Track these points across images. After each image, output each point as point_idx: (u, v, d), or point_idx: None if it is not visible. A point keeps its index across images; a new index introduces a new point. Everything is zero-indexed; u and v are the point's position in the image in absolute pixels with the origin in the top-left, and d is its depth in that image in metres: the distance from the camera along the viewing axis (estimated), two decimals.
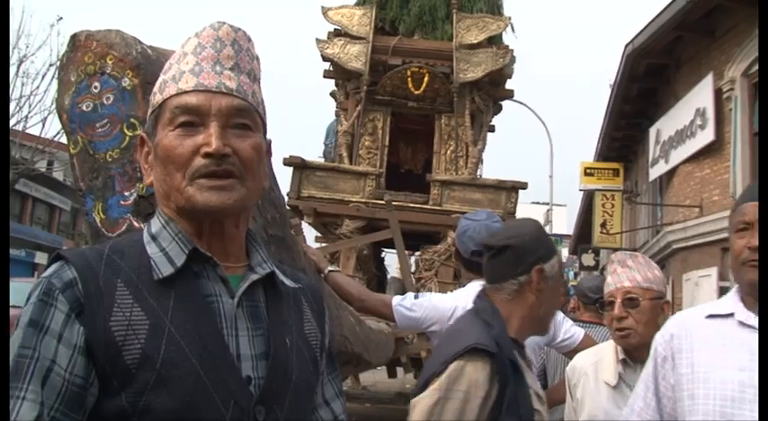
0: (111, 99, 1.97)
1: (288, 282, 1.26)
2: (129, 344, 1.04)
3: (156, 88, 1.20)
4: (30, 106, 18.23)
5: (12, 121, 18.18)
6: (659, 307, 2.40)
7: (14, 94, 17.80)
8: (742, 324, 1.68)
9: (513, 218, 8.20)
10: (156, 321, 1.06)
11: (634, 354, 2.38)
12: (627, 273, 2.41)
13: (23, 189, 26.12)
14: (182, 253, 1.13)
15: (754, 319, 1.66)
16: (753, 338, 1.63)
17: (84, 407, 1.03)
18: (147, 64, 1.99)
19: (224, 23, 1.20)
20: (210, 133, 1.12)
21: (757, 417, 1.55)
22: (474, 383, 1.67)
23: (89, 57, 2.01)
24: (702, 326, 1.75)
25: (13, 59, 17.76)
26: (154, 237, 1.16)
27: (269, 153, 1.27)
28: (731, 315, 1.71)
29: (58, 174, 26.10)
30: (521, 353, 1.87)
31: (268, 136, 1.26)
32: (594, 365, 2.49)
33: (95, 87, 1.99)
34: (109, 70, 1.99)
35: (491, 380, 1.68)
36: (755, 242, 1.66)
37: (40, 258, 26.07)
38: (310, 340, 1.27)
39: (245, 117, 1.17)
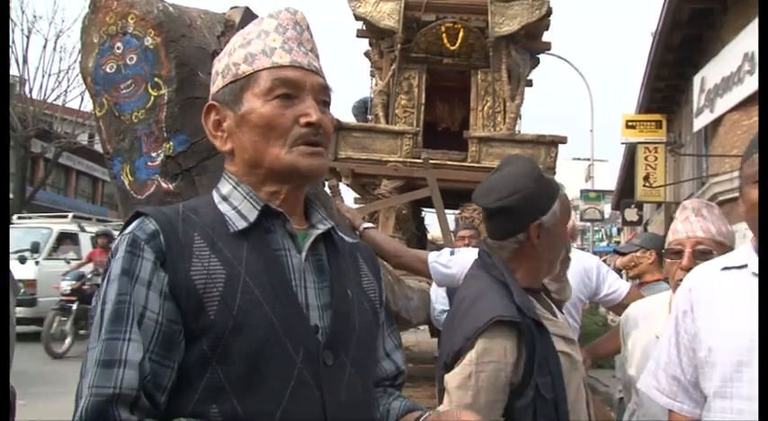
0: (135, 59, 1.95)
1: (346, 238, 1.37)
2: (208, 291, 1.12)
3: (236, 59, 1.26)
4: (68, 81, 18.49)
5: (52, 96, 18.49)
6: None
7: (54, 68, 18.07)
8: (755, 275, 1.63)
9: (553, 174, 8.07)
10: (231, 271, 1.15)
11: None
12: (701, 223, 2.26)
13: (67, 162, 26.66)
14: (254, 209, 1.23)
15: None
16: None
17: (177, 351, 1.11)
18: (169, 22, 1.96)
19: (297, 10, 1.32)
20: (309, 105, 1.24)
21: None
22: (504, 352, 1.68)
23: (110, 17, 1.98)
24: (718, 279, 1.72)
25: (51, 35, 18.00)
26: (225, 198, 1.26)
27: None
28: (745, 266, 1.67)
29: (99, 147, 26.49)
30: (539, 298, 1.87)
31: None
32: (646, 317, 2.38)
33: (118, 48, 1.96)
34: (131, 30, 1.96)
35: (519, 346, 1.69)
36: None
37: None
38: (369, 293, 1.37)
39: (327, 95, 1.30)
